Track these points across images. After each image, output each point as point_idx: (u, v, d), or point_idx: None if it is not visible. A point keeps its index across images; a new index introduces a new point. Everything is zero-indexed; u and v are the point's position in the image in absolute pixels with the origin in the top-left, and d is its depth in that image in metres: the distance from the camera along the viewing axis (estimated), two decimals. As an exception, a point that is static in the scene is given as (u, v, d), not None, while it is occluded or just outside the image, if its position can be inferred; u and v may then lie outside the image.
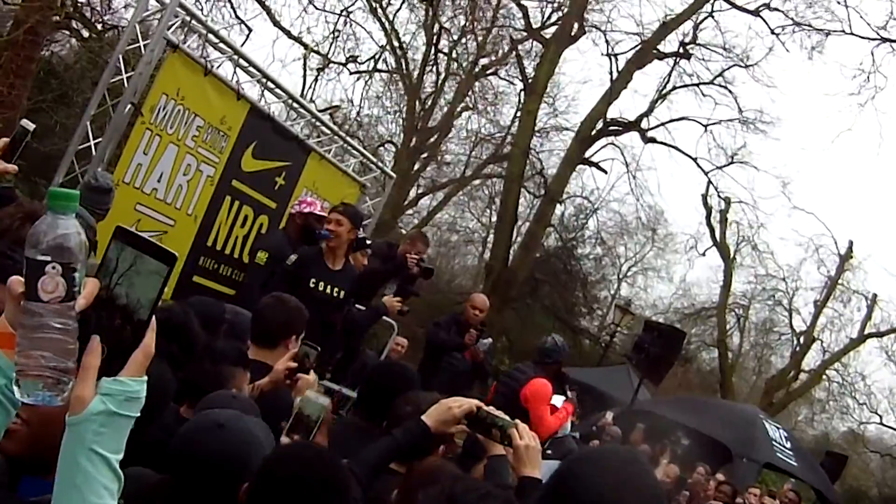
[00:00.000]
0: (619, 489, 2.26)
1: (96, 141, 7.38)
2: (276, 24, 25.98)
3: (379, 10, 29.06)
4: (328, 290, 7.91)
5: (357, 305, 8.73)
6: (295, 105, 10.06)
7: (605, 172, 32.27)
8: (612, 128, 30.85)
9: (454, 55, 30.47)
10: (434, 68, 30.80)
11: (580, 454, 2.52)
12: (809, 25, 29.59)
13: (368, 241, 9.06)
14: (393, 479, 3.50)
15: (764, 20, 29.63)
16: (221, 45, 8.68)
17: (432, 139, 31.77)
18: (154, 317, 1.68)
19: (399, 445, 3.49)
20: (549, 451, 9.17)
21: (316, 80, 28.71)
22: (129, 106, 7.27)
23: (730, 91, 31.03)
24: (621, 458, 2.39)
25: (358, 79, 30.03)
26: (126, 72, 7.43)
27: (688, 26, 29.99)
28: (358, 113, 30.62)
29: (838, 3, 28.58)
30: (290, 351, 4.84)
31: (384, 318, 10.01)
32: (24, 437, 1.96)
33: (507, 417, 3.54)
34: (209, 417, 3.02)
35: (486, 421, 3.50)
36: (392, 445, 3.50)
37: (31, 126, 4.25)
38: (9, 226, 2.67)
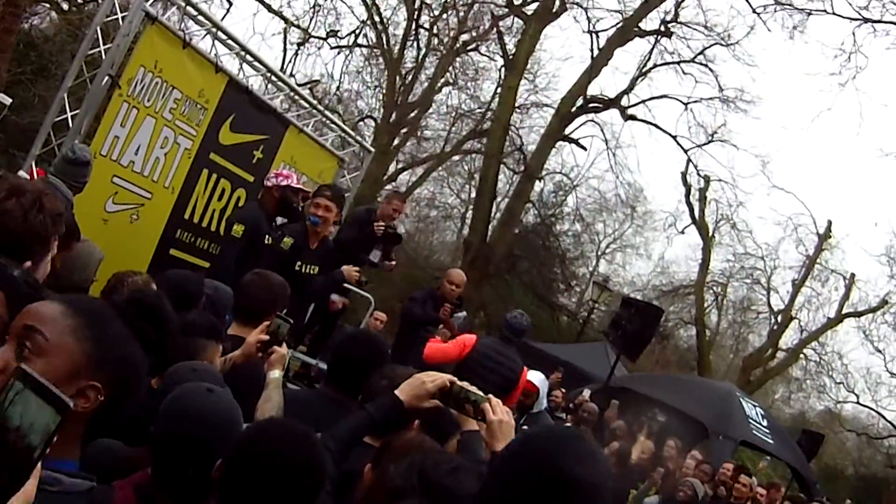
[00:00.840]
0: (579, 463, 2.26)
1: (73, 113, 7.34)
2: (257, -3, 25.90)
3: (360, -15, 28.99)
4: (307, 270, 8.05)
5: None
6: (274, 79, 10.05)
7: (585, 149, 32.37)
8: (592, 105, 30.88)
9: (435, 30, 30.45)
10: (415, 43, 30.78)
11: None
12: (791, 4, 29.70)
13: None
14: (367, 453, 3.51)
15: (746, -1, 29.71)
16: (200, 17, 8.63)
17: (412, 114, 31.73)
18: (39, 463, 1.52)
19: (372, 419, 3.50)
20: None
21: (296, 54, 28.67)
22: (106, 78, 7.24)
23: (710, 69, 31.16)
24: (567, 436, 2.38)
25: (338, 53, 30.02)
26: (104, 44, 7.38)
27: (669, 4, 30.12)
28: (338, 88, 30.59)
29: (820, -18, 28.70)
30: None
31: (361, 292, 10.02)
32: None
33: (481, 392, 3.56)
34: (196, 385, 3.06)
35: (459, 396, 3.52)
36: (365, 419, 3.52)
37: (7, 101, 4.29)
38: None
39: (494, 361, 8.33)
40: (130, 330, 2.16)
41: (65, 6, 18.11)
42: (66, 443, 2.04)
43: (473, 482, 2.18)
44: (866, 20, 28.72)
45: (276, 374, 4.29)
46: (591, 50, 29.79)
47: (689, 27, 30.67)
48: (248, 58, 9.28)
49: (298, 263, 7.94)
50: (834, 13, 29.03)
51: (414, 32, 30.20)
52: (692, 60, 30.93)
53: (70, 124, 7.32)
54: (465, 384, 3.58)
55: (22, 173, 6.91)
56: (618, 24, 29.83)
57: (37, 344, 1.98)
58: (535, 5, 29.50)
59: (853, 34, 29.73)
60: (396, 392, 3.52)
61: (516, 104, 30.14)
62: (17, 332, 2.01)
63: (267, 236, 7.96)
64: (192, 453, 2.82)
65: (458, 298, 9.86)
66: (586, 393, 15.58)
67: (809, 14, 29.54)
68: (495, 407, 3.47)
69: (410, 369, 4.11)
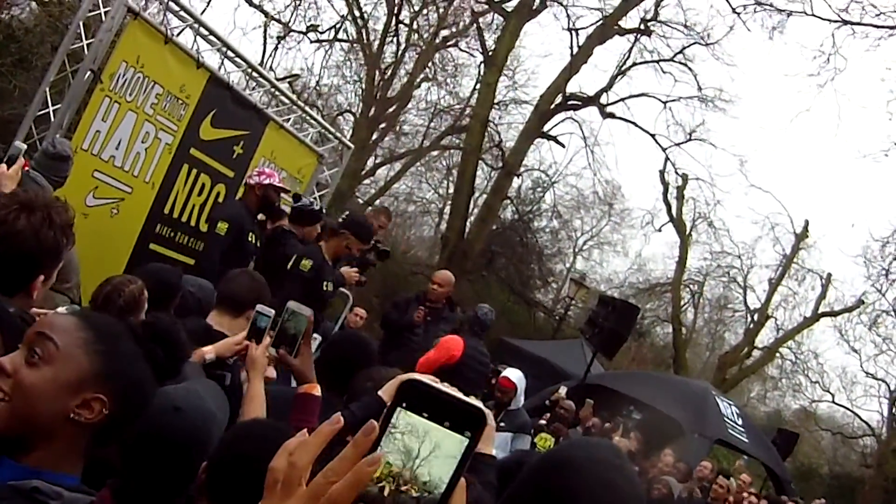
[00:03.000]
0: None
1: (55, 107, 7.35)
2: (238, -10, 25.84)
3: (340, -21, 28.94)
4: (330, 287, 8.21)
5: None
6: (254, 74, 10.05)
7: (563, 146, 32.43)
8: (571, 102, 30.92)
9: (415, 26, 30.37)
10: (395, 39, 30.68)
11: (560, 456, 2.49)
12: (771, 5, 29.84)
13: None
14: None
15: (726, -1, 29.82)
16: (182, 12, 8.63)
17: (391, 109, 31.69)
18: None
19: (356, 420, 3.55)
20: (502, 424, 9.31)
21: (276, 48, 28.60)
22: (88, 73, 7.24)
23: (690, 69, 31.27)
24: (605, 467, 2.37)
25: (318, 48, 29.92)
26: (86, 38, 7.37)
27: (649, 3, 30.22)
28: (317, 82, 30.52)
29: (800, -17, 28.82)
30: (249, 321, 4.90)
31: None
32: (3, 412, 1.97)
33: (463, 395, 3.59)
34: (165, 400, 3.06)
35: None
36: (348, 420, 3.56)
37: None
38: (3, 217, 2.68)
39: (479, 362, 8.65)
40: (142, 350, 2.20)
41: (45, -3, 18.03)
42: (69, 456, 2.07)
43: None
44: (846, 22, 28.87)
45: (258, 372, 4.26)
46: (571, 47, 29.85)
47: (668, 26, 30.78)
48: (229, 53, 9.28)
49: (325, 283, 8.05)
50: (813, 14, 29.16)
51: (394, 27, 30.14)
52: (671, 59, 31.04)
53: (52, 118, 7.32)
54: (448, 386, 3.61)
55: (23, 145, 6.90)
56: (598, 21, 29.86)
57: (47, 351, 2.01)
58: (515, 2, 29.47)
59: (832, 36, 30.21)
60: (380, 392, 3.56)
61: (495, 100, 30.16)
62: (30, 338, 2.05)
63: (250, 234, 8.02)
64: (157, 471, 2.85)
65: (447, 298, 9.97)
66: (563, 390, 15.59)
67: (789, 15, 29.70)
68: None
69: (396, 371, 4.15)
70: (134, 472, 2.85)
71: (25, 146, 5.73)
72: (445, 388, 1.44)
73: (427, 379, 1.78)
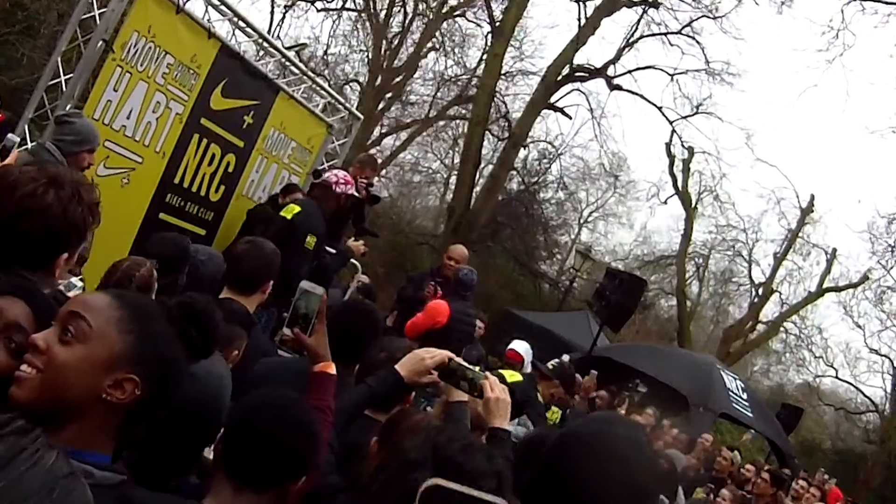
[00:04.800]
0: (618, 485, 2.28)
1: (67, 77, 7.35)
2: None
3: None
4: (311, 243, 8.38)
5: (328, 249, 8.86)
6: (264, 44, 10.03)
7: (570, 118, 32.33)
8: (578, 74, 30.79)
9: (422, -5, 30.30)
10: (402, 8, 30.63)
11: (579, 433, 2.50)
12: (780, -22, 29.64)
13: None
14: (367, 425, 3.59)
15: (734, -29, 29.63)
16: (193, -19, 8.61)
17: (398, 79, 31.64)
18: None
19: (373, 394, 3.60)
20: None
21: (284, 17, 28.53)
22: (100, 42, 7.23)
23: (697, 42, 31.14)
24: (624, 447, 2.38)
25: (326, 17, 29.85)
26: (97, 8, 7.37)
27: (657, -26, 29.94)
28: (325, 52, 30.46)
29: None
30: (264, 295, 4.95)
31: (350, 260, 10.18)
32: (35, 384, 1.98)
33: (477, 370, 3.65)
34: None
35: (457, 372, 3.60)
36: (366, 393, 3.61)
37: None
38: (32, 191, 2.64)
39: (465, 323, 9.03)
40: (175, 331, 2.22)
41: (52, -35, 17.96)
42: (100, 435, 2.08)
43: (483, 459, 2.23)
44: (855, -3, 28.68)
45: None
46: (578, 18, 29.65)
47: (676, -2, 30.59)
48: (240, 23, 9.26)
49: (306, 236, 8.26)
50: (822, -11, 28.98)
51: (401, -3, 30.11)
52: (679, 32, 30.88)
53: (63, 88, 7.32)
54: (462, 361, 3.66)
55: (15, 137, 6.92)
56: (606, -8, 29.70)
57: (80, 329, 2.02)
58: (522, -28, 29.35)
59: (842, 11, 29.75)
60: (397, 367, 3.60)
61: (502, 71, 30.03)
62: (63, 316, 2.06)
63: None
64: (172, 439, 2.88)
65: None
66: (565, 358, 15.62)
67: (798, -12, 29.51)
68: (493, 384, 3.55)
69: (406, 341, 4.19)
70: (149, 442, 2.87)
71: (18, 139, 5.77)
72: (465, 489, 1.52)
73: (451, 485, 1.85)
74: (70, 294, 3.88)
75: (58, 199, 2.66)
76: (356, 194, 8.71)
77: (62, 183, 2.69)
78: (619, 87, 31.44)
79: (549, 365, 9.89)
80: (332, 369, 3.73)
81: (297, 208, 8.20)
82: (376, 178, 10.21)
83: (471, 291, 9.27)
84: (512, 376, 8.54)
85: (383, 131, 33.83)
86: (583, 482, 2.28)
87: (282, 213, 8.25)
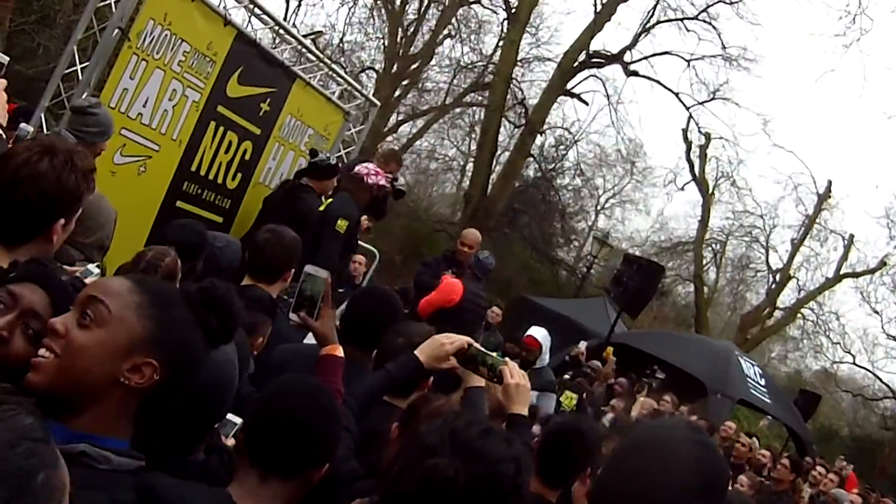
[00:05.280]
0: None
1: (83, 66, 7.36)
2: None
3: (365, -65, 28.80)
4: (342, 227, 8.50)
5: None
6: (280, 31, 10.02)
7: (587, 104, 32.31)
8: (594, 60, 30.72)
9: (438, -18, 30.25)
10: (418, -5, 30.60)
11: (649, 434, 2.45)
12: (796, -37, 29.53)
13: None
14: (387, 411, 3.59)
15: (751, -45, 29.50)
16: (208, -32, 8.60)
17: (414, 66, 31.62)
18: None
19: (393, 379, 3.60)
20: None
21: (299, 5, 28.51)
22: (116, 31, 7.23)
23: (714, 27, 31.03)
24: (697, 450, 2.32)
25: (342, 4, 29.82)
26: (113, -4, 7.39)
27: (674, -40, 29.82)
28: (341, 39, 30.45)
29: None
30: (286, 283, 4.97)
31: (366, 246, 10.17)
32: (53, 369, 1.97)
33: (496, 355, 3.65)
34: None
35: (476, 358, 3.60)
36: (386, 379, 3.61)
37: (5, 59, 4.32)
38: (27, 159, 2.70)
39: (477, 305, 8.94)
40: (195, 316, 2.22)
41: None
42: (118, 420, 2.08)
43: (502, 444, 2.22)
44: (873, -18, 28.49)
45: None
46: (595, 5, 29.59)
47: (693, -17, 30.45)
48: (256, 10, 9.26)
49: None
50: (840, -27, 28.81)
51: (417, -16, 30.08)
52: (695, 17, 30.77)
53: (79, 76, 7.33)
54: (481, 347, 3.67)
55: (29, 126, 6.92)
56: (622, -22, 29.61)
57: (98, 313, 2.02)
58: (538, -41, 29.27)
59: (859, -5, 29.55)
60: (416, 353, 3.60)
61: (518, 58, 29.99)
62: (82, 300, 2.05)
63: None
64: (180, 419, 2.87)
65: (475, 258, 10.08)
66: (582, 345, 15.60)
67: (815, -27, 29.37)
68: (513, 370, 3.56)
69: (424, 326, 4.18)
70: (155, 422, 2.89)
71: (32, 128, 5.84)
72: None
73: None
74: (87, 281, 3.90)
75: (51, 166, 2.73)
76: (387, 186, 8.74)
77: (56, 151, 2.77)
78: (635, 73, 31.36)
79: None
80: (340, 352, 3.75)
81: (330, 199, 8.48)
82: (396, 169, 10.21)
83: (486, 275, 9.31)
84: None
85: (400, 119, 33.86)
86: (658, 484, 2.23)
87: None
